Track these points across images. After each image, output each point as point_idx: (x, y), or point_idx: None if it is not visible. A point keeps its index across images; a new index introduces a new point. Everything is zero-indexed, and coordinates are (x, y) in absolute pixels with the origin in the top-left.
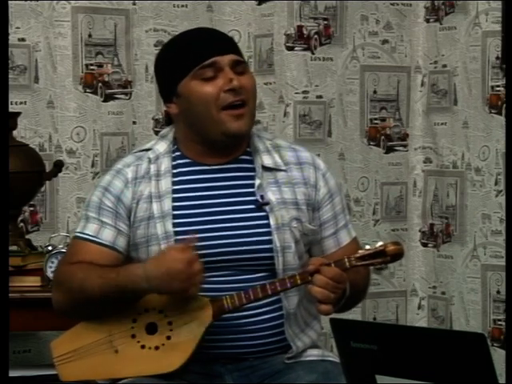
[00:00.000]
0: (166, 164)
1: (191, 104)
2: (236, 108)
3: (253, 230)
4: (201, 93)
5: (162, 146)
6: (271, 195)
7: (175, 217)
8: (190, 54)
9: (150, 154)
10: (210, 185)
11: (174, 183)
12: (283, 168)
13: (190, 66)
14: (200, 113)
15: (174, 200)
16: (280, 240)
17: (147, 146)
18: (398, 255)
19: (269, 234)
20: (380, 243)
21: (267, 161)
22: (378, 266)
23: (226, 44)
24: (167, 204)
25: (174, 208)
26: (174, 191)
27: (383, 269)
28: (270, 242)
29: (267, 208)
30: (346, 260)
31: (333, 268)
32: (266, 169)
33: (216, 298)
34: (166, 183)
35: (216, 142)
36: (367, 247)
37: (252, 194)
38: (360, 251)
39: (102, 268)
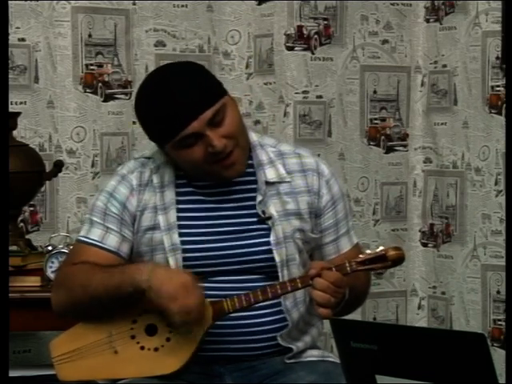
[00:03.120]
0: (169, 174)
1: (180, 163)
2: (226, 158)
3: (256, 242)
4: (186, 158)
5: (162, 156)
6: (273, 209)
7: (180, 227)
8: (167, 125)
9: (151, 164)
10: (213, 198)
11: (178, 194)
12: (287, 180)
13: (170, 137)
14: (190, 169)
15: (179, 211)
16: (281, 255)
17: (148, 154)
18: (398, 260)
19: (271, 248)
20: (381, 248)
21: (270, 175)
22: (379, 270)
23: (197, 104)
24: (172, 216)
25: (179, 219)
26: (178, 202)
27: (383, 273)
28: (272, 256)
29: (269, 222)
30: (347, 264)
31: (334, 272)
32: (268, 183)
33: (217, 300)
34: (170, 194)
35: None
36: (368, 251)
37: (254, 207)
38: (361, 255)
39: (103, 267)
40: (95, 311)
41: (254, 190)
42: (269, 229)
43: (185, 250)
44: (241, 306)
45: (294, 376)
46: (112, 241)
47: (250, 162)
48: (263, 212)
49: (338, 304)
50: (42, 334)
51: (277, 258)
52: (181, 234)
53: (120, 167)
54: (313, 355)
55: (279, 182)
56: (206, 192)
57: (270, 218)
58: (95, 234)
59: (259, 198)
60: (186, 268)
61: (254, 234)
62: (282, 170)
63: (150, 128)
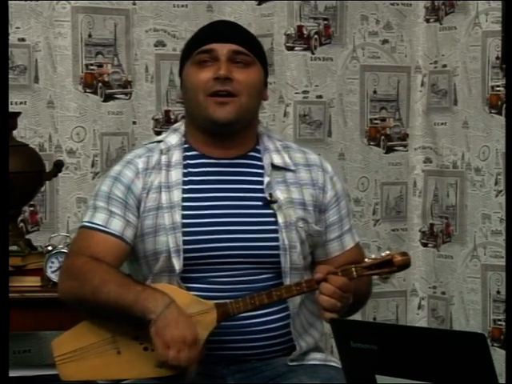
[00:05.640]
0: (177, 156)
1: (187, 88)
2: (221, 96)
3: (260, 227)
4: (194, 78)
5: (173, 139)
6: (279, 194)
7: (184, 208)
8: (194, 39)
9: (162, 146)
10: (219, 178)
11: (184, 174)
12: (292, 168)
13: (191, 50)
14: (191, 97)
15: (184, 191)
16: (287, 238)
17: (159, 138)
18: (405, 265)
19: (275, 232)
20: (387, 252)
21: (277, 160)
22: (385, 275)
23: (229, 33)
24: (176, 195)
25: (183, 199)
26: (184, 182)
27: (389, 278)
28: (276, 240)
29: (275, 206)
30: (354, 269)
31: (340, 277)
32: (274, 167)
33: (221, 302)
34: (176, 174)
35: (205, 129)
36: (373, 256)
37: (260, 191)
38: (367, 260)
39: (123, 277)
40: (100, 314)
41: (260, 175)
42: (273, 215)
43: (186, 231)
44: (246, 308)
45: (296, 380)
46: (116, 225)
47: (257, 147)
48: (270, 195)
49: (343, 308)
50: (42, 333)
51: (285, 241)
52: (184, 215)
53: (128, 153)
54: (316, 358)
55: (285, 170)
56: (212, 171)
57: (275, 201)
58: (99, 219)
59: (267, 180)
60: (186, 251)
61: (260, 218)
62: (288, 159)
63: (186, 43)
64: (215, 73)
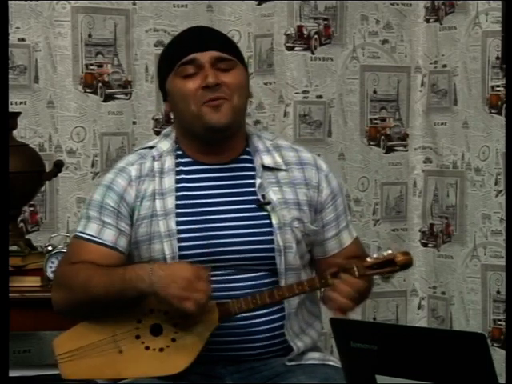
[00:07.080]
0: (169, 162)
1: (175, 101)
2: (214, 100)
3: (254, 229)
4: (181, 90)
5: (165, 145)
6: (272, 195)
7: (178, 215)
8: (174, 51)
9: (154, 152)
10: (212, 184)
11: (177, 181)
12: (284, 168)
13: (173, 63)
14: (183, 109)
15: (177, 198)
16: (282, 240)
17: (150, 143)
18: (407, 265)
19: (270, 233)
20: (389, 251)
21: (267, 161)
22: (387, 275)
23: (207, 41)
24: (170, 202)
25: (177, 206)
26: (177, 189)
27: (390, 277)
28: (271, 241)
29: (268, 208)
30: (356, 269)
31: (357, 280)
32: (266, 168)
33: (220, 300)
34: (169, 181)
35: (201, 137)
36: (375, 256)
37: (253, 193)
38: (369, 259)
39: (106, 267)
40: (96, 311)
41: (252, 177)
42: (267, 216)
43: (181, 238)
44: (247, 308)
45: (294, 380)
46: (108, 235)
47: (247, 149)
48: (263, 196)
49: (353, 309)
50: (42, 333)
51: (280, 242)
52: (178, 222)
53: (119, 161)
54: (314, 358)
55: (277, 170)
56: (204, 177)
57: (269, 203)
58: (91, 229)
59: (258, 182)
60: (182, 258)
61: (254, 220)
62: (279, 159)
63: (164, 54)
64: (203, 81)
